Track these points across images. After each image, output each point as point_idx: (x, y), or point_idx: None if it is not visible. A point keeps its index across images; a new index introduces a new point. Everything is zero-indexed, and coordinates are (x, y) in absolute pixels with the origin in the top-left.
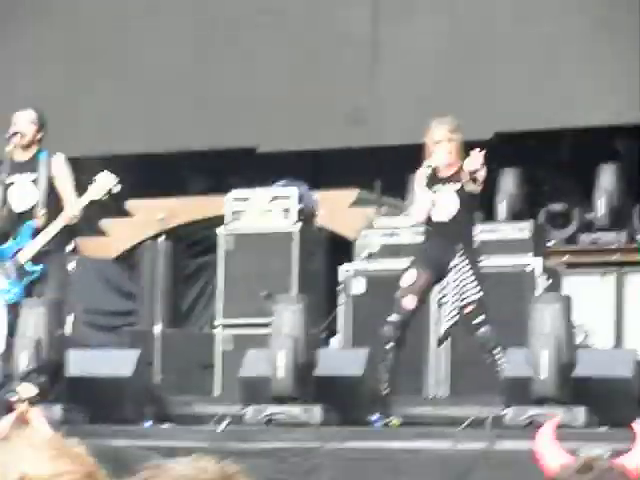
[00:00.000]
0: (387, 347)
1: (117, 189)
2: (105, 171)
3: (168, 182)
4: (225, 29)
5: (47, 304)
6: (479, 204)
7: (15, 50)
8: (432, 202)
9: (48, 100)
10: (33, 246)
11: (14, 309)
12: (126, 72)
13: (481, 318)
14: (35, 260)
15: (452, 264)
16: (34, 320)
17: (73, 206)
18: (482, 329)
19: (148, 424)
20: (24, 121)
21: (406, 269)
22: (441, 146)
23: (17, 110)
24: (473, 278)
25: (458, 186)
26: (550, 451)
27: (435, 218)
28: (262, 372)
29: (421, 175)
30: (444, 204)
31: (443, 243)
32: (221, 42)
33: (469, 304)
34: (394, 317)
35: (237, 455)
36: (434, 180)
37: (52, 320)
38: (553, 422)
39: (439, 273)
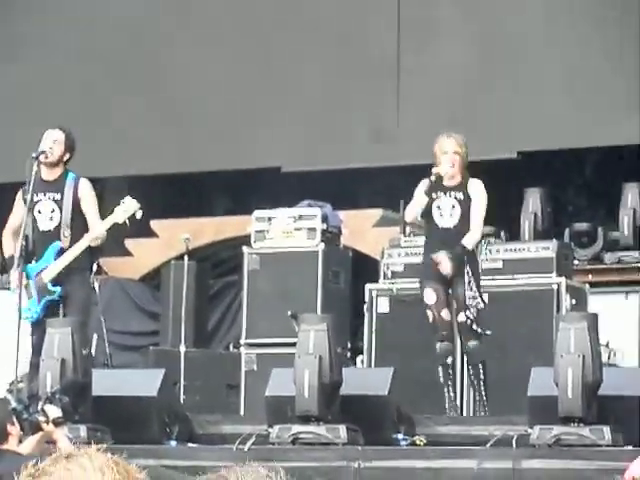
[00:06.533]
0: (447, 362)
1: (140, 214)
2: (129, 196)
3: (193, 202)
4: (255, 47)
5: (72, 324)
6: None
7: (41, 68)
8: (428, 206)
9: (74, 118)
10: (56, 266)
11: (35, 328)
12: (151, 92)
13: (473, 331)
14: (57, 280)
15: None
16: (59, 340)
17: (96, 228)
18: (472, 342)
19: (173, 443)
20: (51, 140)
21: (421, 289)
22: (447, 157)
23: (43, 129)
24: (474, 288)
25: (460, 196)
26: None
27: (440, 224)
28: (287, 391)
29: (424, 182)
30: (447, 212)
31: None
32: (249, 61)
33: (467, 313)
34: (441, 334)
35: None
36: (437, 187)
37: (77, 340)
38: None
39: (446, 285)
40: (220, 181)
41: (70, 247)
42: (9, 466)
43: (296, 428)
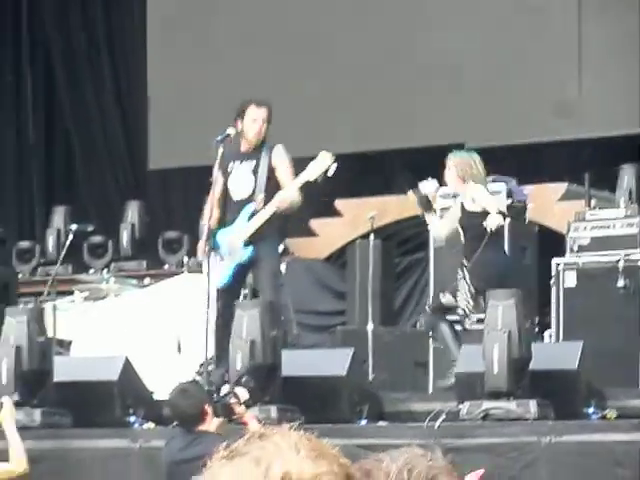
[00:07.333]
0: None
1: (333, 169)
2: (324, 151)
3: (377, 181)
4: (433, 22)
5: (261, 305)
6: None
7: (223, 41)
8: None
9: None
10: (248, 228)
11: (222, 294)
12: (332, 71)
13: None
14: (248, 243)
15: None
16: (248, 322)
17: (289, 188)
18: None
19: (363, 422)
20: (262, 119)
21: None
22: (447, 172)
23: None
24: (469, 289)
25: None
26: None
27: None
28: (477, 368)
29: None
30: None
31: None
32: (424, 39)
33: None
34: None
35: (454, 451)
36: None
37: (266, 321)
38: None
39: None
40: (404, 159)
41: (263, 209)
42: (212, 447)
43: (486, 404)
